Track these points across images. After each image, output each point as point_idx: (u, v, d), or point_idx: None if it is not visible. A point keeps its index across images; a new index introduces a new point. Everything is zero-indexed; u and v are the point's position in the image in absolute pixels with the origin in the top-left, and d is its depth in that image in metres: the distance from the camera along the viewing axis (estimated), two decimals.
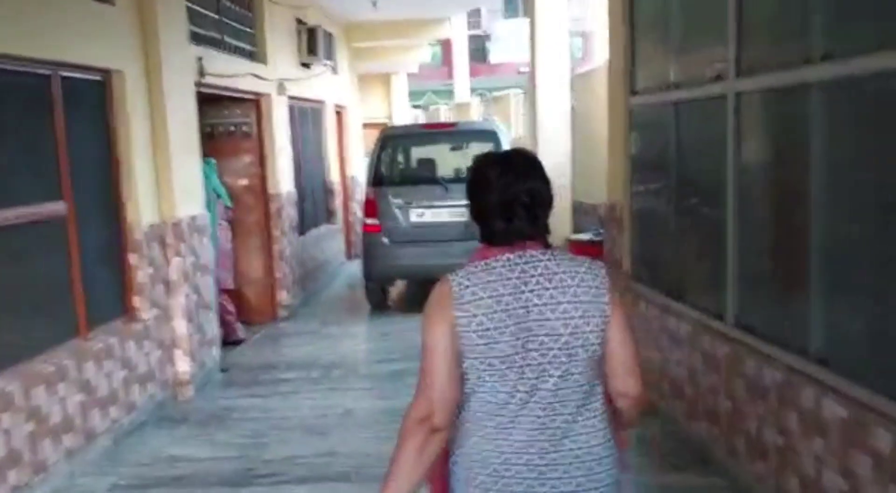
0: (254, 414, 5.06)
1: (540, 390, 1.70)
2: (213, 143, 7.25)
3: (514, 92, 12.54)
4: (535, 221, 1.77)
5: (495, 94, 14.53)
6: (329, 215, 9.89)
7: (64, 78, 4.19)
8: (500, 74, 24.35)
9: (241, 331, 6.80)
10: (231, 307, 6.71)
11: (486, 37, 25.51)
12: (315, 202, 9.30)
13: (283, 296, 7.65)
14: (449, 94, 22.96)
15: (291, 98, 8.14)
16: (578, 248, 7.43)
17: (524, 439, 1.70)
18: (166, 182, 5.10)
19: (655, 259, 4.89)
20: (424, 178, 7.73)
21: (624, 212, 5.18)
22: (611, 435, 1.78)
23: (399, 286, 8.75)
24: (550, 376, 1.69)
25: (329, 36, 9.03)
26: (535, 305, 1.70)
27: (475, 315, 1.68)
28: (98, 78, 4.55)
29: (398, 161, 8.33)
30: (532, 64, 7.66)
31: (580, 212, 8.73)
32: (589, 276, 1.74)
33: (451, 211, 7.49)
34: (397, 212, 7.55)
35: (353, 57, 12.30)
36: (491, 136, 7.74)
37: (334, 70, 10.13)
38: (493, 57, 24.47)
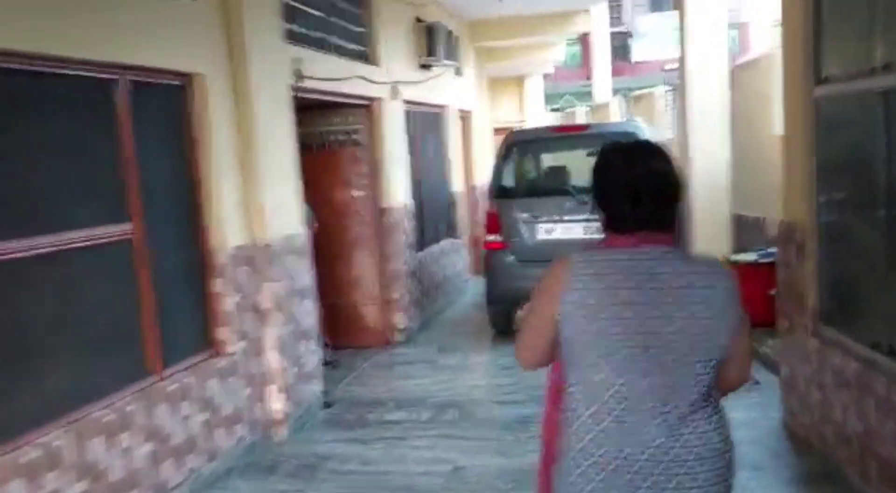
0: (351, 466, 4.38)
1: (656, 387, 1.68)
2: (323, 152, 6.74)
3: (659, 89, 11.28)
4: (661, 207, 1.74)
5: (637, 92, 13.27)
6: (451, 229, 9.17)
7: (134, 83, 3.70)
8: (644, 73, 22.78)
9: (326, 354, 6.25)
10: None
11: (628, 34, 24.02)
12: (436, 215, 8.62)
13: (398, 318, 7.00)
14: (588, 96, 21.77)
15: (408, 102, 7.50)
16: (741, 272, 6.20)
17: (637, 429, 1.69)
18: (255, 199, 4.55)
19: (855, 297, 3.70)
20: (554, 188, 6.80)
21: (807, 234, 4.02)
22: (725, 439, 1.76)
23: None
24: (668, 374, 1.68)
25: (450, 35, 8.33)
26: (662, 303, 1.69)
27: (588, 303, 1.69)
28: (175, 82, 4.05)
29: (524, 170, 7.45)
30: (682, 59, 6.54)
31: (741, 226, 7.45)
32: (720, 279, 1.73)
33: (584, 226, 6.53)
34: (523, 227, 6.68)
35: (479, 58, 11.56)
36: (632, 136, 6.69)
37: (457, 72, 9.43)
38: (636, 54, 22.96)
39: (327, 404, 5.30)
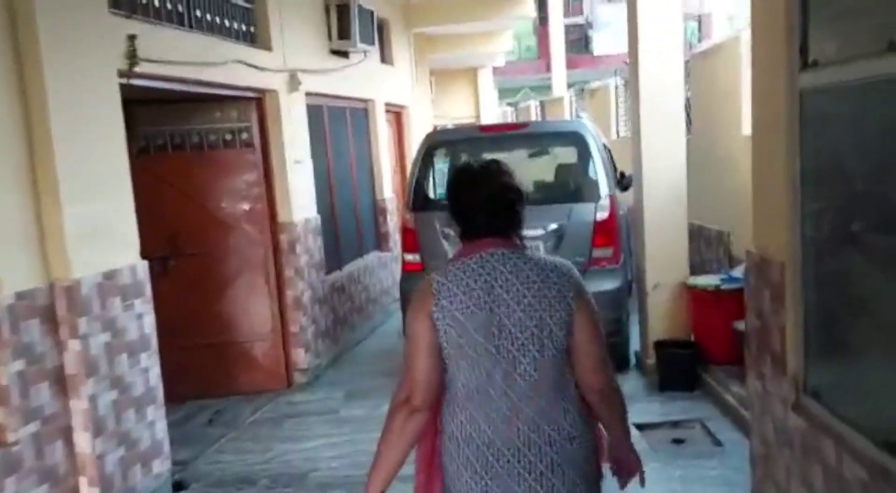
0: None
1: (514, 377, 1.88)
2: (201, 155, 5.55)
3: (616, 81, 10.23)
4: (505, 216, 1.94)
5: (592, 85, 12.22)
6: (380, 242, 8.03)
7: None
8: (606, 66, 21.82)
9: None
10: None
11: (589, 25, 23.03)
12: (359, 227, 7.46)
13: (299, 356, 5.84)
14: (547, 89, 20.74)
15: (314, 95, 6.32)
16: (701, 299, 5.16)
17: (502, 420, 1.89)
18: (52, 221, 3.35)
19: (858, 370, 2.64)
20: None
21: (788, 274, 2.95)
22: (585, 424, 1.96)
23: None
24: (520, 363, 1.88)
25: (372, 17, 7.16)
26: (504, 299, 1.87)
27: (449, 310, 1.88)
28: None
29: (448, 177, 6.33)
30: (632, 54, 5.46)
31: (702, 240, 6.42)
32: (554, 274, 1.91)
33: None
34: (446, 245, 5.56)
35: (419, 47, 10.41)
36: (575, 139, 5.62)
37: (386, 61, 8.27)
38: (597, 47, 21.98)
39: (179, 487, 4.13)
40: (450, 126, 6.25)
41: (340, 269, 6.86)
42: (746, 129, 4.91)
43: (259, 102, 5.59)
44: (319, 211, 6.28)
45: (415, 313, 1.92)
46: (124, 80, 3.92)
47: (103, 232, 3.65)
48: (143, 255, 5.53)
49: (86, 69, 3.59)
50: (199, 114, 5.52)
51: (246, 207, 5.66)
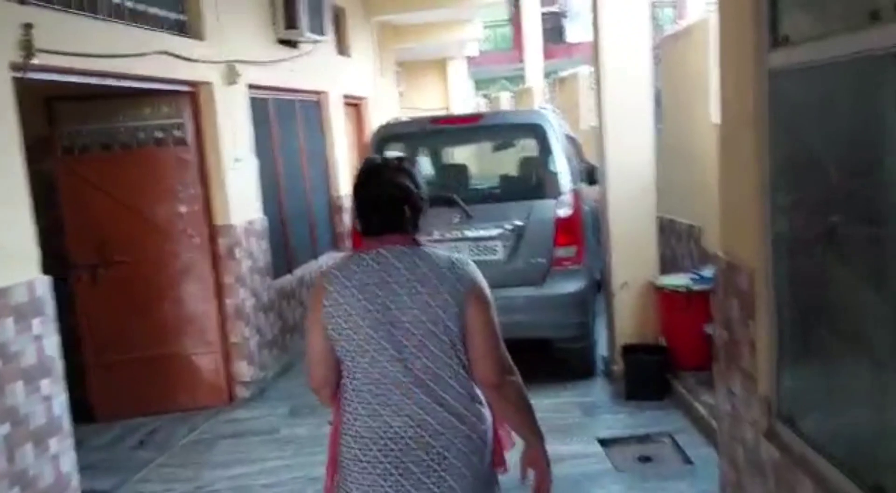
0: None
1: (407, 372, 1.90)
2: (131, 154, 5.10)
3: (583, 71, 9.85)
4: (401, 216, 1.95)
5: (562, 73, 11.83)
6: (337, 241, 7.61)
7: None
8: (581, 55, 21.46)
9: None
10: None
11: (564, 14, 22.63)
12: (312, 227, 7.04)
13: (241, 369, 5.42)
14: (521, 79, 20.36)
15: (258, 88, 5.88)
16: (669, 300, 4.81)
17: (391, 414, 1.91)
18: None
19: (839, 398, 2.27)
20: (435, 197, 5.28)
21: (758, 282, 2.58)
22: (478, 419, 1.96)
23: None
24: (415, 358, 1.90)
25: (321, 4, 6.71)
26: (398, 294, 1.88)
27: (340, 304, 1.90)
28: None
29: None
30: (596, 39, 5.06)
31: (671, 234, 6.07)
32: (449, 269, 1.92)
33: (477, 245, 5.06)
34: None
35: (383, 37, 9.99)
36: (534, 131, 5.23)
37: (343, 51, 7.84)
38: (571, 35, 21.58)
39: None
40: (404, 119, 5.76)
41: (291, 272, 6.44)
42: (717, 117, 4.55)
43: (192, 96, 5.15)
44: (266, 212, 5.85)
45: (310, 307, 1.98)
46: (19, 74, 3.47)
47: None
48: (70, 264, 5.17)
49: None
50: (126, 110, 5.07)
51: (181, 209, 5.22)
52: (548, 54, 19.43)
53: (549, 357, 5.31)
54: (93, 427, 5.07)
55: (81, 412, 5.09)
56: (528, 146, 5.48)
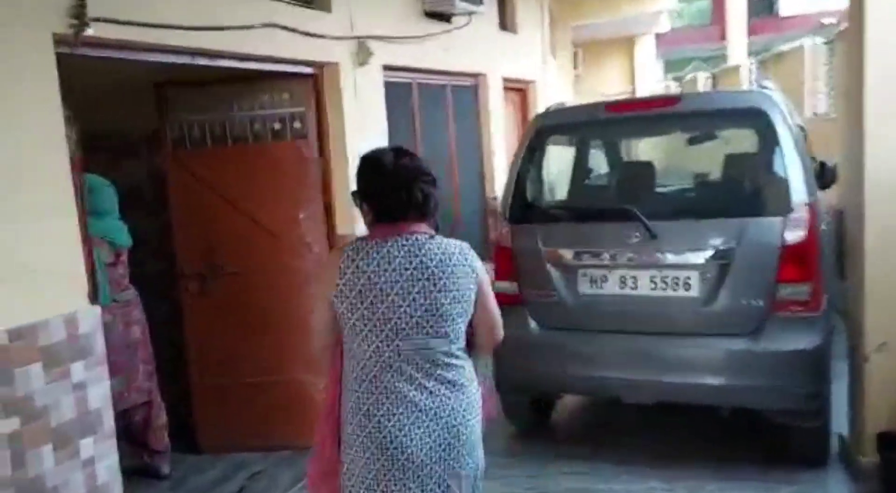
0: None
1: (421, 351, 1.99)
2: (245, 150, 4.37)
3: (809, 43, 7.95)
4: (423, 203, 2.01)
5: (779, 49, 9.83)
6: (489, 248, 6.56)
7: None
8: (795, 30, 18.68)
9: (164, 464, 4.29)
10: (157, 427, 4.25)
11: None
12: (457, 234, 6.05)
13: None
14: (722, 60, 18.06)
15: (398, 70, 4.96)
16: None
17: (407, 391, 1.99)
18: None
19: None
20: (610, 209, 4.08)
21: None
22: (478, 396, 2.13)
23: (572, 400, 4.99)
24: (430, 337, 1.99)
25: None
26: (419, 280, 1.97)
27: (355, 284, 1.96)
28: None
29: (560, 176, 4.73)
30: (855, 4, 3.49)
31: None
32: (460, 255, 2.04)
33: (662, 277, 3.80)
34: (554, 273, 4.00)
35: (557, 11, 8.74)
36: (754, 118, 3.77)
37: (505, 26, 6.74)
38: (785, 7, 18.82)
39: None
40: (569, 105, 4.54)
41: None
42: None
43: (315, 79, 4.32)
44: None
45: (323, 279, 2.03)
46: (66, 50, 2.75)
47: (15, 269, 2.50)
48: (179, 272, 4.60)
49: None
50: (242, 97, 4.34)
51: (299, 214, 4.42)
52: (753, 30, 17.05)
53: (752, 431, 3.93)
54: (195, 461, 4.46)
55: (186, 440, 4.57)
56: (743, 139, 4.07)
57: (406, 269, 1.96)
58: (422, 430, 1.97)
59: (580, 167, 4.73)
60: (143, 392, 4.16)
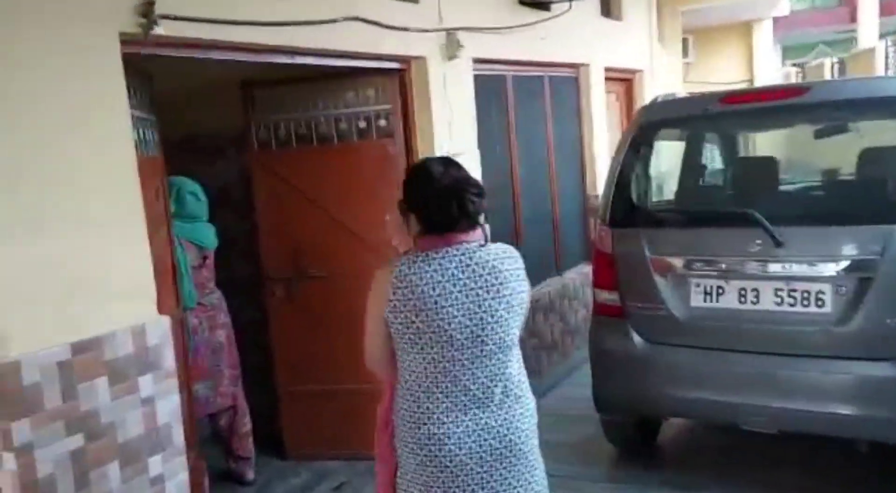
0: None
1: (476, 359, 1.97)
2: (329, 150, 4.19)
3: None
4: (474, 212, 1.99)
5: None
6: (591, 250, 6.16)
7: None
8: None
9: (249, 469, 4.19)
10: (242, 433, 4.15)
11: None
12: (556, 236, 5.69)
13: None
14: (847, 44, 16.65)
15: (490, 62, 4.67)
16: None
17: (459, 401, 1.96)
18: None
19: None
20: (727, 212, 3.63)
21: None
22: (534, 407, 2.12)
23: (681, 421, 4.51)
24: (486, 344, 1.97)
25: None
26: (472, 289, 1.95)
27: (409, 299, 1.94)
28: None
29: (668, 174, 4.27)
30: None
31: None
32: (514, 263, 2.04)
33: (790, 291, 3.34)
34: (661, 283, 3.59)
35: None
36: None
37: (608, 13, 6.29)
38: None
39: None
40: (679, 95, 4.08)
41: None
42: None
43: (401, 75, 4.09)
44: (491, 220, 4.63)
45: (375, 296, 2.00)
46: (134, 50, 2.63)
47: (79, 279, 2.40)
48: (265, 276, 4.50)
49: (62, 32, 2.35)
50: (327, 95, 4.17)
51: (384, 216, 4.19)
52: (886, 9, 15.58)
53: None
54: (280, 467, 4.37)
55: (273, 445, 4.48)
56: (883, 132, 3.51)
57: (459, 279, 1.95)
58: (472, 438, 1.96)
59: (691, 164, 4.26)
60: (227, 397, 4.08)
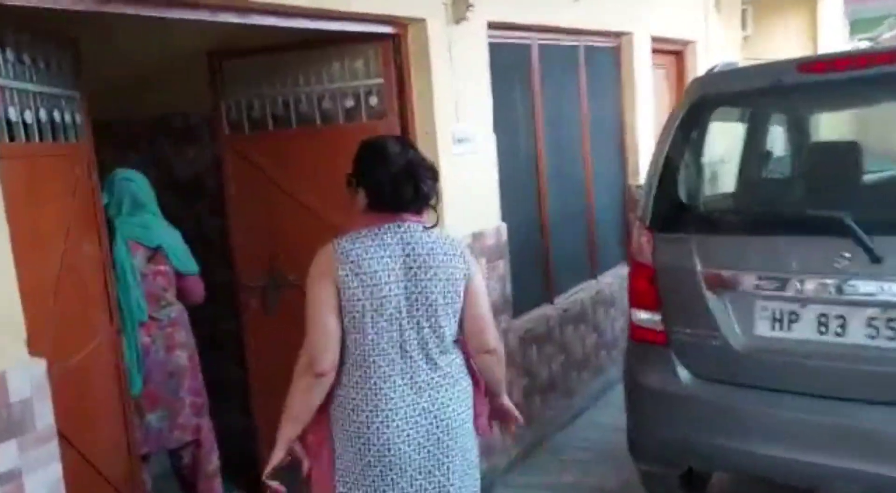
0: None
1: (412, 341, 1.98)
2: (317, 135, 3.48)
3: None
4: (427, 195, 2.02)
5: None
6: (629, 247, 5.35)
7: None
8: None
9: None
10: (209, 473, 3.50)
11: None
12: (591, 232, 4.90)
13: None
14: None
15: (511, 28, 3.89)
16: None
17: (396, 385, 1.97)
18: None
19: None
20: (802, 215, 2.80)
21: None
22: (472, 390, 2.12)
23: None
24: (422, 328, 1.99)
25: None
26: (411, 268, 1.97)
27: (356, 274, 1.93)
28: None
29: (726, 165, 3.43)
30: None
31: None
32: (450, 247, 2.04)
33: (887, 318, 2.52)
34: (716, 304, 2.80)
35: None
36: None
37: None
38: None
39: None
40: (741, 64, 3.24)
41: (552, 302, 4.41)
42: None
43: (396, 41, 3.34)
44: (511, 216, 3.89)
45: (316, 277, 1.98)
46: (82, 6, 1.95)
47: None
48: (239, 283, 3.85)
49: None
50: (308, 68, 3.47)
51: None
52: None
53: None
54: None
55: (248, 480, 3.84)
56: None
57: (399, 256, 1.96)
58: (409, 425, 1.97)
59: (755, 152, 3.42)
60: (188, 430, 3.44)
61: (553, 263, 4.42)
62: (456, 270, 2.01)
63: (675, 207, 3.02)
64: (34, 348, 2.03)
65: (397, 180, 1.96)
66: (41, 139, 2.39)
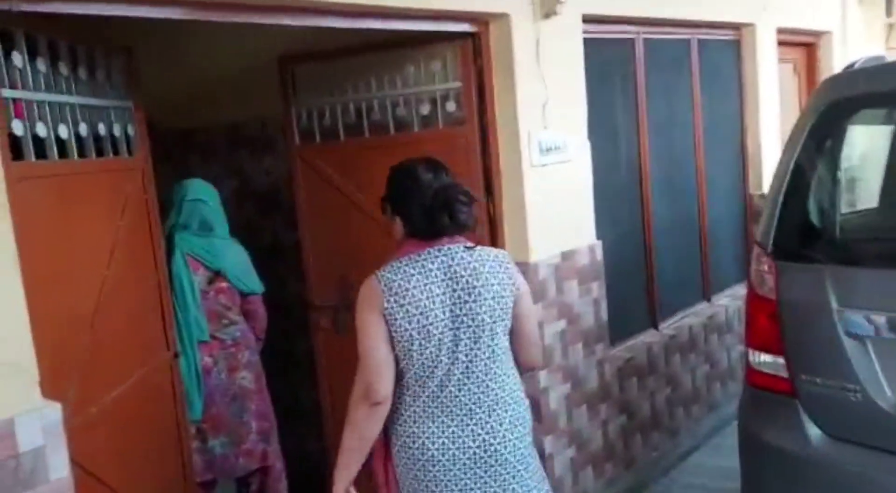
0: None
1: (461, 364, 1.94)
2: (391, 143, 3.19)
3: None
4: (465, 222, 1.95)
5: None
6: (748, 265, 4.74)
7: None
8: None
9: None
10: None
11: None
12: (704, 249, 4.35)
13: None
14: None
15: (608, 23, 3.46)
16: None
17: (457, 406, 1.94)
18: None
19: None
20: None
21: None
22: (527, 415, 2.06)
23: None
24: (471, 350, 1.95)
25: None
26: (455, 291, 1.93)
27: (401, 305, 1.90)
28: None
29: (868, 182, 2.83)
30: None
31: None
32: (495, 264, 1.99)
33: None
34: (856, 350, 2.28)
35: None
36: None
37: None
38: None
39: None
40: (889, 60, 2.65)
41: (656, 327, 3.93)
42: None
43: (476, 41, 3.00)
44: (607, 232, 3.46)
45: (364, 309, 1.94)
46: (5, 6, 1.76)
47: None
48: (310, 302, 3.63)
49: None
50: (381, 71, 3.19)
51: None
52: None
53: None
54: None
55: None
56: None
57: (441, 280, 1.94)
58: (456, 446, 1.94)
59: (890, 163, 2.82)
60: (255, 456, 3.26)
61: (658, 283, 3.93)
62: (502, 287, 1.97)
63: (804, 229, 2.51)
64: (58, 389, 1.84)
65: (432, 211, 1.90)
66: (82, 156, 2.23)
